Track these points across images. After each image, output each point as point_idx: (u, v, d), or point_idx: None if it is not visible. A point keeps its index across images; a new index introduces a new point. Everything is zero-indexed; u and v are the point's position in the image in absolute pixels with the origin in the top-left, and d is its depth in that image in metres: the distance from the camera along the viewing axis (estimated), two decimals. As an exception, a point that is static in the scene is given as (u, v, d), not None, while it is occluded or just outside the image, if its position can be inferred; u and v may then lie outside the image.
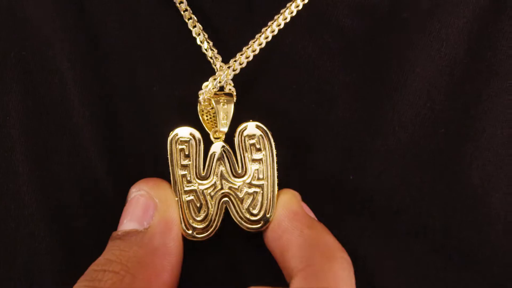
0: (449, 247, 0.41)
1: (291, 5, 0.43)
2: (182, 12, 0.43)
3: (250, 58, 0.42)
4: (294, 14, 0.43)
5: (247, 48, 0.42)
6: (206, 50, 0.43)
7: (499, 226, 0.42)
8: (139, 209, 0.39)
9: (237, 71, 0.42)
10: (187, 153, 0.41)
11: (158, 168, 0.42)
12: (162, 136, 0.42)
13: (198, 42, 0.43)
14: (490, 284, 0.41)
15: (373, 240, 0.41)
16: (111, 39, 0.43)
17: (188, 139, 0.41)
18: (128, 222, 0.39)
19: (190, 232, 0.40)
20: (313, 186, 0.42)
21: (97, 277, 0.36)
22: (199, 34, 0.43)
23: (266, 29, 0.43)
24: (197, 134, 0.41)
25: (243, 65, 0.42)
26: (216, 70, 0.43)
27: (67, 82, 0.43)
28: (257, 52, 0.42)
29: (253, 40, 0.43)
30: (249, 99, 0.43)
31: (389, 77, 0.43)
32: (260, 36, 0.43)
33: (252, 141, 0.41)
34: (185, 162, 0.41)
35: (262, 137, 0.41)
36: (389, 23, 0.44)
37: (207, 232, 0.40)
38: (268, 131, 0.41)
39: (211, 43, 0.43)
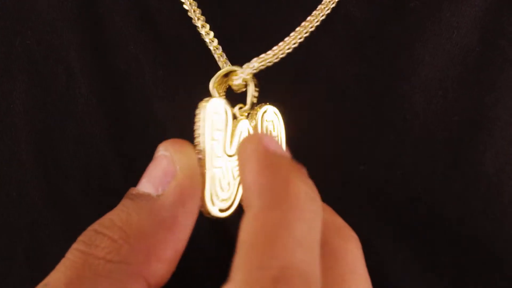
0: (463, 237, 0.40)
1: None
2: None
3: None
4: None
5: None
6: (211, 41, 0.42)
7: None
8: (159, 171, 0.36)
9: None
10: (218, 126, 0.38)
11: None
12: (169, 123, 0.42)
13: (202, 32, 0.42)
14: (506, 274, 0.40)
15: (385, 230, 0.41)
16: (118, 27, 0.43)
17: (222, 112, 0.38)
18: (145, 183, 0.36)
19: (213, 208, 0.37)
20: (323, 177, 0.41)
21: (94, 242, 0.34)
22: (203, 26, 0.42)
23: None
24: (229, 109, 0.39)
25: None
26: (217, 56, 0.42)
27: (73, 71, 0.43)
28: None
29: None
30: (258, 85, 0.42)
31: (398, 66, 0.42)
32: None
33: (268, 124, 0.40)
34: (216, 135, 0.38)
35: (278, 121, 0.40)
36: (398, 12, 0.43)
37: (228, 212, 0.38)
38: (281, 117, 0.40)
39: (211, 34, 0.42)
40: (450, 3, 0.43)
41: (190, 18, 0.43)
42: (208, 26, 0.42)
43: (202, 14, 0.42)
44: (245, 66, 0.41)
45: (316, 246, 0.30)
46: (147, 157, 0.42)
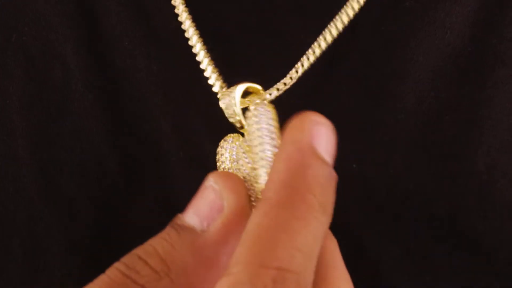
0: (455, 234, 0.41)
1: None
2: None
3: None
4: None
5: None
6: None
7: (505, 213, 0.41)
8: (206, 204, 0.34)
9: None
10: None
11: (163, 147, 0.42)
12: (164, 118, 0.42)
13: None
14: (496, 271, 0.40)
15: (377, 228, 0.41)
16: (113, 23, 0.44)
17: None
18: (191, 214, 0.35)
19: None
20: None
21: (135, 267, 0.33)
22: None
23: None
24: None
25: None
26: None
27: (70, 66, 0.43)
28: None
29: None
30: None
31: (392, 66, 0.43)
32: None
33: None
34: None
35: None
36: (392, 11, 0.43)
37: None
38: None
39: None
40: (444, 3, 0.43)
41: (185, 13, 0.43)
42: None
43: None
44: (273, 89, 0.40)
45: (315, 257, 0.30)
46: (143, 152, 0.42)
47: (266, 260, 0.29)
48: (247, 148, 0.37)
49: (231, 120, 0.38)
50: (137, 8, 0.44)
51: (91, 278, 0.33)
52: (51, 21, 0.43)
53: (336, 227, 0.39)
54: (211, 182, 0.35)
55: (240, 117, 0.38)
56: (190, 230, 0.34)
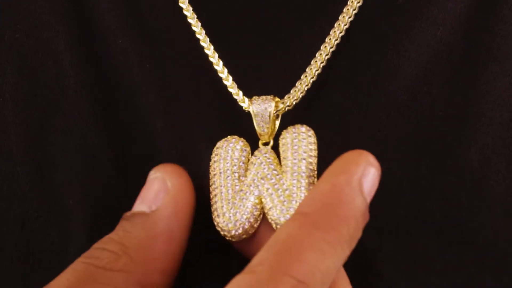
0: (448, 230, 0.41)
1: None
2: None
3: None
4: None
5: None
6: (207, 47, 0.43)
7: (498, 210, 0.41)
8: (151, 192, 0.38)
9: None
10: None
11: (155, 144, 0.42)
12: (157, 115, 0.42)
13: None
14: (490, 267, 0.40)
15: (370, 223, 0.41)
16: (106, 20, 0.44)
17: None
18: (138, 205, 0.38)
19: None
20: None
21: (94, 255, 0.36)
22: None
23: None
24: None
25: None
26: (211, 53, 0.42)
27: (63, 63, 0.43)
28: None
29: None
30: (245, 87, 0.43)
31: (384, 62, 0.43)
32: None
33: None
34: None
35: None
36: (384, 9, 0.43)
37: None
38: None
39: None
40: (436, 0, 0.43)
41: (178, 11, 0.43)
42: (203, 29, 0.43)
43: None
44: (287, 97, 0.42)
45: (329, 282, 0.33)
46: (135, 148, 0.42)
47: (291, 269, 0.31)
48: (273, 156, 0.40)
49: (260, 125, 0.41)
50: (130, 6, 0.44)
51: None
52: (44, 18, 0.43)
53: None
54: (153, 174, 0.38)
55: (271, 124, 0.41)
56: (139, 214, 0.37)
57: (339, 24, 0.42)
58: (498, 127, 0.42)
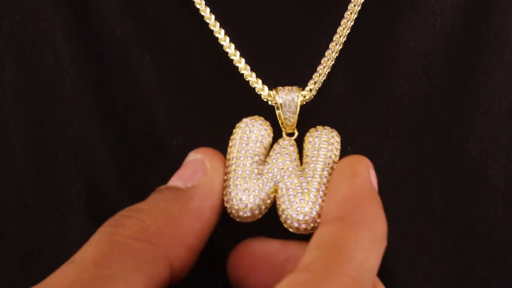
0: (449, 218, 0.41)
1: None
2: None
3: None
4: None
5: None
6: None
7: (498, 198, 0.41)
8: (189, 170, 0.38)
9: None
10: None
11: (156, 134, 0.42)
12: (156, 106, 0.42)
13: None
14: (490, 255, 0.41)
15: None
16: (105, 11, 0.44)
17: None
18: (174, 180, 0.38)
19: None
20: None
21: (121, 222, 0.35)
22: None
23: None
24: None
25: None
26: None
27: (61, 54, 0.43)
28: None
29: None
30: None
31: (382, 52, 0.43)
32: None
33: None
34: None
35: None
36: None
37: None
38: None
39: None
40: None
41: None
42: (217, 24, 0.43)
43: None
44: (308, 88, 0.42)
45: (375, 277, 0.34)
46: (134, 138, 0.42)
47: (344, 267, 0.32)
48: (296, 150, 0.40)
49: (287, 115, 0.41)
50: None
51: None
52: (42, 9, 0.43)
53: None
54: (192, 156, 0.38)
55: (296, 115, 0.42)
56: (174, 188, 0.37)
57: (349, 13, 0.43)
58: (496, 117, 0.42)
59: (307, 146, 0.40)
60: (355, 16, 0.43)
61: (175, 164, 0.41)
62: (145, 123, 0.42)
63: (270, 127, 0.40)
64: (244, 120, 0.40)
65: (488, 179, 0.42)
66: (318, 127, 0.41)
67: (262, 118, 0.41)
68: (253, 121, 0.40)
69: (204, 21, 0.43)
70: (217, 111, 0.43)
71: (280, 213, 0.39)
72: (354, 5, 0.43)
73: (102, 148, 0.42)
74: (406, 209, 0.41)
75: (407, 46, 0.43)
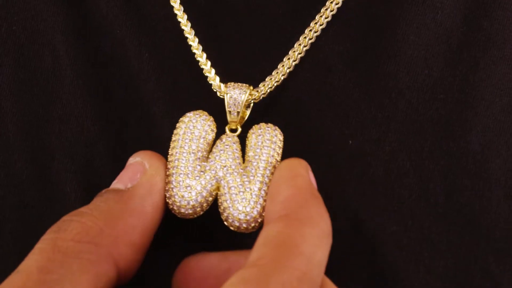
0: (451, 211, 0.41)
1: None
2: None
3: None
4: None
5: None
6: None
7: (500, 192, 0.41)
8: (129, 172, 0.38)
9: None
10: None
11: (151, 134, 0.42)
12: (154, 104, 0.42)
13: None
14: (492, 249, 0.40)
15: (374, 204, 0.41)
16: (103, 11, 0.44)
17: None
18: (115, 183, 0.38)
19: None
20: (311, 152, 0.41)
21: (62, 227, 0.35)
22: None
23: None
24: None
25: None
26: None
27: (60, 54, 0.43)
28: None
29: None
30: (238, 68, 0.44)
31: (383, 45, 0.43)
32: None
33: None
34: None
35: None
36: None
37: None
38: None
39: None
40: None
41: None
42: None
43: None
44: (262, 85, 0.42)
45: (323, 272, 0.34)
46: (132, 137, 0.42)
47: (291, 261, 0.32)
48: (239, 147, 0.40)
49: (232, 109, 0.42)
50: None
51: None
52: (41, 10, 0.43)
53: (333, 202, 0.40)
54: (132, 159, 0.39)
55: (241, 111, 0.42)
56: (114, 190, 0.37)
57: (320, 16, 0.43)
58: (498, 110, 0.42)
59: (250, 143, 0.40)
60: (332, 13, 0.43)
61: None
62: (144, 121, 0.42)
63: (213, 122, 0.40)
64: (188, 114, 0.40)
65: (490, 172, 0.41)
66: (261, 124, 0.41)
67: (205, 113, 0.41)
68: (197, 116, 0.40)
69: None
70: (215, 108, 0.43)
71: (221, 211, 0.39)
72: (331, 2, 0.43)
73: (100, 147, 0.42)
74: (408, 202, 0.41)
75: (408, 39, 0.43)
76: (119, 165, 0.41)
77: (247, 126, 0.41)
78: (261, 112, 0.42)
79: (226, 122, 0.42)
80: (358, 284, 0.39)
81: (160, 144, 0.42)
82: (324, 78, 0.43)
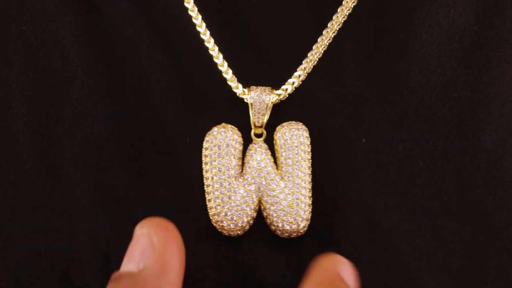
0: (464, 210, 0.40)
1: None
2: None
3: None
4: None
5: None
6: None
7: None
8: (138, 249, 0.36)
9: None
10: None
11: (168, 133, 0.42)
12: (166, 105, 0.42)
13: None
14: (506, 248, 0.40)
15: (388, 203, 0.41)
16: (114, 11, 0.44)
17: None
18: (126, 263, 0.36)
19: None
20: (324, 150, 0.41)
21: None
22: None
23: None
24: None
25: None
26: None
27: (69, 53, 0.43)
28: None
29: None
30: (255, 69, 0.43)
31: (395, 44, 0.43)
32: None
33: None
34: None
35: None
36: None
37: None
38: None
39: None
40: None
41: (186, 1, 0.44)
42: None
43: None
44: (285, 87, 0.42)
45: None
46: (144, 137, 0.42)
47: None
48: (269, 152, 0.41)
49: (257, 114, 0.42)
50: None
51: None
52: (51, 10, 0.43)
53: (348, 200, 0.40)
54: (139, 230, 0.36)
55: (267, 114, 0.42)
56: (127, 274, 0.35)
57: (337, 15, 0.43)
58: (511, 109, 0.42)
59: (279, 147, 0.41)
60: (349, 11, 0.43)
61: (187, 162, 0.41)
62: (156, 122, 0.42)
63: (239, 134, 0.41)
64: (214, 130, 0.41)
65: (503, 171, 0.41)
66: (285, 124, 0.41)
67: (231, 126, 0.41)
68: (222, 131, 0.40)
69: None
70: (229, 108, 0.43)
71: (268, 223, 0.40)
72: (347, 2, 0.43)
73: (111, 147, 0.42)
74: (421, 201, 0.41)
75: (420, 38, 0.43)
76: (130, 166, 0.41)
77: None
78: (274, 111, 0.42)
79: (245, 123, 0.42)
80: (371, 282, 0.39)
81: (174, 145, 0.41)
82: (337, 77, 0.42)
